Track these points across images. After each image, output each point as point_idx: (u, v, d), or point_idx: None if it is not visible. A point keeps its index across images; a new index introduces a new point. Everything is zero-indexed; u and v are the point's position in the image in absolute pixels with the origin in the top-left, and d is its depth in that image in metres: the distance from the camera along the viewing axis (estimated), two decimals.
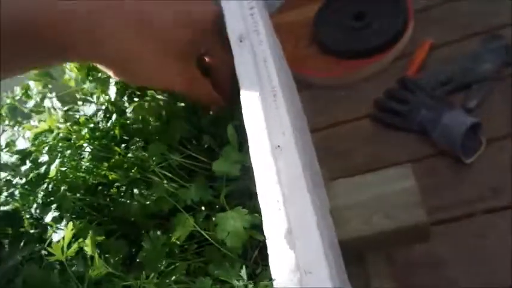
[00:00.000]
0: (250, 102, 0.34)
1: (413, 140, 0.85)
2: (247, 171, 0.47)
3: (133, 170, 0.39)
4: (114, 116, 0.41)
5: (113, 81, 0.42)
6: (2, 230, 0.41)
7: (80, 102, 0.40)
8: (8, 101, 0.47)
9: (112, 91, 0.41)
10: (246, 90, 0.35)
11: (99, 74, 0.44)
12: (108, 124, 0.40)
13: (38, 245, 0.37)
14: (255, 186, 0.46)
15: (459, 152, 0.78)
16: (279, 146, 0.32)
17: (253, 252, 0.41)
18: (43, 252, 0.36)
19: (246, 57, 0.36)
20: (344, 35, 0.99)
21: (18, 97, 0.47)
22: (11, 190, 0.39)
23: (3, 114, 0.47)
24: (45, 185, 0.37)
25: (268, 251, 0.28)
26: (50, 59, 0.38)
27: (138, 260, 0.40)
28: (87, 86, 0.41)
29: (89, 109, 0.40)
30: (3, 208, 0.40)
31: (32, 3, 0.36)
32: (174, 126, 0.42)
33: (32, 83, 0.46)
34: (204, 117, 0.44)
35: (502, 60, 0.86)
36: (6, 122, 0.47)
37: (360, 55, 0.95)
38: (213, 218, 0.42)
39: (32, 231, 0.39)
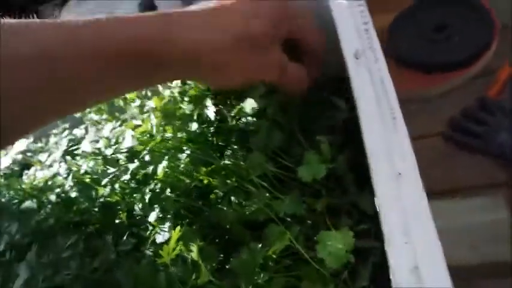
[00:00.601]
0: (369, 124, 0.33)
1: (490, 164, 0.80)
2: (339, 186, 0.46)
3: (232, 179, 0.39)
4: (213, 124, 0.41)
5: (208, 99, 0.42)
6: (99, 220, 0.43)
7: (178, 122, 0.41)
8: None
9: (210, 111, 0.41)
10: (365, 111, 0.33)
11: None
12: (206, 130, 0.40)
13: (135, 240, 0.38)
14: (347, 203, 0.46)
15: None
16: (400, 173, 0.30)
17: (344, 272, 0.40)
18: (147, 252, 0.37)
19: (363, 76, 0.35)
20: (421, 47, 0.95)
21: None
22: (114, 184, 0.40)
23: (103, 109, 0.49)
24: (152, 185, 0.38)
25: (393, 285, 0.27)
26: (147, 80, 0.39)
27: (227, 267, 0.40)
28: (185, 106, 0.41)
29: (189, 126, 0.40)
30: (104, 200, 0.42)
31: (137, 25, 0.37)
32: (272, 136, 0.41)
33: None
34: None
35: None
36: (104, 116, 0.49)
37: (437, 69, 0.91)
38: (302, 234, 0.42)
39: (129, 226, 0.41)
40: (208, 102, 0.41)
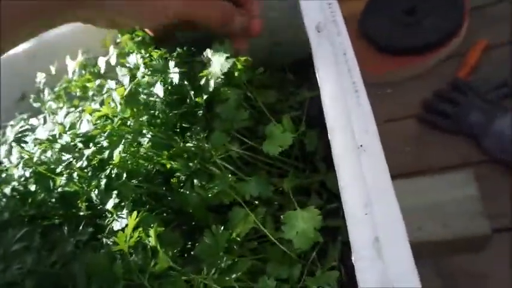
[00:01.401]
0: (331, 98, 0.31)
1: (461, 144, 0.80)
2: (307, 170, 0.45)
3: (194, 161, 0.37)
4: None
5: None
6: (58, 212, 0.41)
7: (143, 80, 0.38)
8: (64, 85, 0.46)
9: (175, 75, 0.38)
10: (326, 84, 0.32)
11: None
12: (168, 111, 0.38)
13: (92, 229, 0.36)
14: (315, 183, 0.44)
15: (511, 160, 0.73)
16: (361, 145, 0.29)
17: (312, 253, 0.39)
18: (104, 240, 0.35)
19: (324, 48, 0.33)
20: (393, 30, 0.94)
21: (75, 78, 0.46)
22: (72, 173, 0.37)
23: (62, 96, 0.46)
24: (108, 171, 0.35)
25: (354, 259, 0.25)
26: (54, 18, 0.35)
27: (192, 253, 0.38)
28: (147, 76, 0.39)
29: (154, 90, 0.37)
30: (61, 190, 0.39)
31: None
32: (236, 114, 0.39)
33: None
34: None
35: None
36: (62, 105, 0.46)
37: (409, 52, 0.91)
38: (270, 215, 0.40)
39: (88, 215, 0.38)
40: (171, 65, 0.38)
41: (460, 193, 0.50)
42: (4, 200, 0.41)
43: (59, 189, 0.39)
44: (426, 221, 0.49)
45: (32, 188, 0.43)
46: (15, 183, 0.42)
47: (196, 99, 0.38)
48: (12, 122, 0.50)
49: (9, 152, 0.42)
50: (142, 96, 0.38)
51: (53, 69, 0.48)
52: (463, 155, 0.78)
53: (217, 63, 0.38)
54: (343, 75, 0.32)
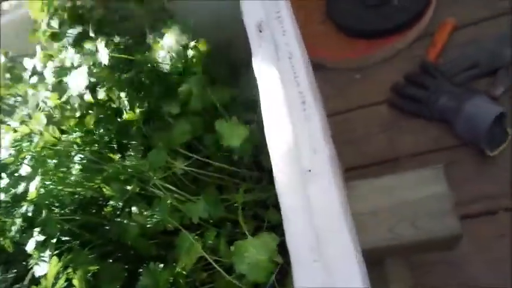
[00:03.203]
0: (274, 112, 0.26)
1: (433, 128, 0.77)
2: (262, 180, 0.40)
3: (131, 184, 0.31)
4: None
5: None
6: None
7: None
8: None
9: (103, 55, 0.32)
10: (268, 94, 0.27)
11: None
12: (101, 130, 0.32)
13: (15, 275, 0.31)
14: (273, 195, 0.40)
15: (483, 143, 0.70)
16: (310, 170, 0.24)
17: (271, 278, 0.35)
18: None
19: (267, 53, 0.28)
20: (360, 12, 0.88)
21: None
22: None
23: None
24: (24, 208, 0.30)
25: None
26: None
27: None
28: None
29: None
30: None
31: None
32: (179, 128, 0.34)
33: None
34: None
35: None
36: None
37: (377, 35, 0.86)
38: (223, 237, 0.35)
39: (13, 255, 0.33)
40: (100, 46, 0.32)
41: (429, 191, 0.47)
42: None
43: None
44: (396, 222, 0.46)
45: None
46: None
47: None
48: None
49: None
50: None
51: None
52: (433, 141, 0.75)
53: (171, 38, 0.32)
54: (287, 84, 0.27)
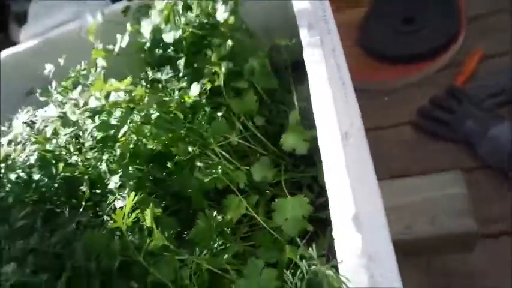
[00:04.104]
0: (320, 91, 0.34)
1: (456, 150, 0.82)
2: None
3: (195, 146, 0.39)
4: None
5: None
6: (60, 197, 0.43)
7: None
8: (73, 74, 0.49)
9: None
10: (314, 77, 0.35)
11: None
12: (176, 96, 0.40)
13: (97, 210, 0.39)
14: (308, 177, 0.47)
15: (506, 165, 0.75)
16: (346, 133, 0.32)
17: (302, 241, 0.41)
18: (105, 217, 0.37)
19: (314, 45, 0.37)
20: (391, 39, 0.97)
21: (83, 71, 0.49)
22: (79, 158, 0.40)
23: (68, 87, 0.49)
24: (111, 151, 0.38)
25: (334, 235, 0.28)
26: None
27: (186, 238, 0.40)
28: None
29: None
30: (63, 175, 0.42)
31: None
32: (248, 99, 0.42)
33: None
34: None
35: None
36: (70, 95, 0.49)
37: (406, 61, 0.94)
38: (262, 204, 0.43)
39: (89, 199, 0.41)
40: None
41: (448, 192, 0.53)
42: (9, 185, 0.44)
43: (62, 175, 0.42)
44: (415, 219, 0.52)
45: (36, 176, 0.46)
46: (19, 171, 0.45)
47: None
48: (18, 115, 0.53)
49: (15, 139, 0.45)
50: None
51: (61, 61, 0.51)
52: (456, 162, 0.81)
53: None
54: (331, 69, 0.35)
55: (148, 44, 0.42)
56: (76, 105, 0.42)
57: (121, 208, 0.35)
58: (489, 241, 0.72)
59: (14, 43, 0.73)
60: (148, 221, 0.34)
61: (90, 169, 0.40)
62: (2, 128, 0.51)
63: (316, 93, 0.34)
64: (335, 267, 0.28)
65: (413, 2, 1.00)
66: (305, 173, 0.47)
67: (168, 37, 0.39)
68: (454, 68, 0.92)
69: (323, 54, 0.36)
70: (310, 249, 0.30)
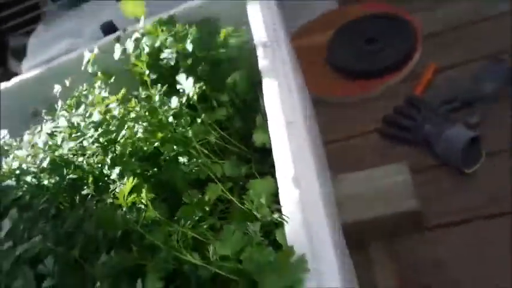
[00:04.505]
0: (271, 90, 0.47)
1: (418, 152, 0.96)
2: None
3: (178, 145, 0.51)
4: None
5: None
6: (68, 195, 0.54)
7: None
8: (77, 94, 0.61)
9: None
10: (268, 83, 0.48)
11: None
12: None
13: (102, 197, 0.50)
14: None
15: (459, 162, 0.88)
16: (291, 122, 0.44)
17: (272, 217, 0.53)
18: (109, 200, 0.48)
19: (268, 59, 0.50)
20: (357, 57, 1.13)
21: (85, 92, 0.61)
22: (84, 160, 0.51)
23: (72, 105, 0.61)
24: (114, 149, 0.50)
25: (279, 192, 0.39)
26: None
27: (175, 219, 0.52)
28: None
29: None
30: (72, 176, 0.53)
31: None
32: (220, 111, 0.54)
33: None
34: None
35: (503, 82, 0.98)
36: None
37: (371, 75, 1.09)
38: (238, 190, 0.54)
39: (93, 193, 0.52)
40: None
41: (396, 179, 0.65)
42: (25, 186, 0.55)
43: (71, 176, 0.53)
44: (371, 203, 0.64)
45: (46, 180, 0.57)
46: (35, 171, 0.56)
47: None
48: (28, 131, 0.65)
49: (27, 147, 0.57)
50: None
51: (67, 82, 0.63)
52: (418, 162, 0.93)
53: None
54: (279, 77, 0.48)
55: (144, 64, 0.55)
56: (82, 119, 0.54)
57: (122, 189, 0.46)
58: (447, 231, 0.84)
59: (14, 76, 0.86)
60: (143, 199, 0.45)
61: (94, 169, 0.52)
62: (14, 143, 0.63)
63: (267, 93, 0.46)
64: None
65: (374, 24, 1.16)
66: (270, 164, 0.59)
67: (166, 55, 0.53)
68: (413, 80, 1.07)
69: (274, 65, 0.48)
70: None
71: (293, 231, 0.37)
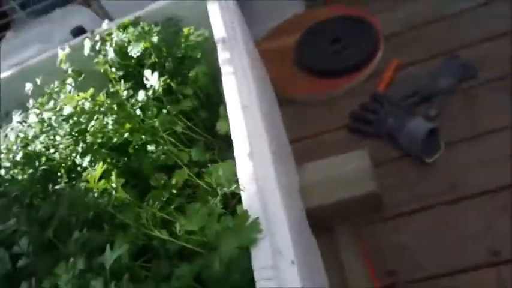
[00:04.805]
0: (228, 78, 0.53)
1: (382, 145, 1.03)
2: None
3: (146, 134, 0.56)
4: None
5: None
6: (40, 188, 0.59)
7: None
8: (48, 91, 0.66)
9: None
10: (226, 74, 0.54)
11: None
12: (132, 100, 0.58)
13: (73, 183, 0.54)
14: None
15: (420, 152, 0.96)
16: (246, 106, 0.50)
17: (234, 201, 0.58)
18: (81, 184, 0.53)
19: (227, 52, 0.56)
20: (323, 57, 1.20)
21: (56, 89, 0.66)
22: (53, 151, 0.56)
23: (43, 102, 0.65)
24: (85, 138, 0.54)
25: (237, 166, 0.45)
26: None
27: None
28: None
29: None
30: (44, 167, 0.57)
31: None
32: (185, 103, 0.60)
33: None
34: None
35: (458, 76, 1.07)
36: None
37: (337, 74, 1.16)
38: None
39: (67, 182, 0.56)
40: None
41: (357, 165, 0.71)
42: None
43: (44, 167, 0.58)
44: (334, 188, 0.70)
45: (19, 173, 0.61)
46: (8, 165, 0.60)
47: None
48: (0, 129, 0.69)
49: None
50: None
51: (38, 81, 0.68)
52: (383, 154, 1.01)
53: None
54: (236, 67, 0.54)
55: (111, 62, 0.60)
56: (53, 113, 0.59)
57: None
58: (410, 218, 0.91)
59: None
60: (114, 183, 0.50)
61: (66, 160, 0.56)
62: None
63: (226, 82, 0.52)
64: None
65: (339, 25, 1.25)
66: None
67: (134, 51, 0.58)
68: (377, 77, 1.15)
69: (232, 58, 0.55)
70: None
71: (248, 198, 0.42)
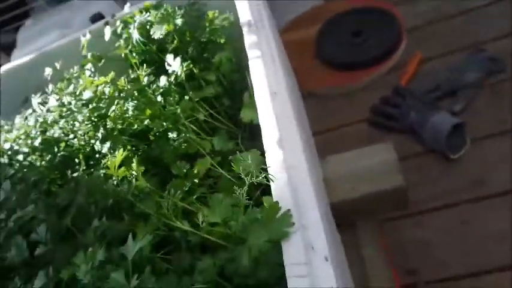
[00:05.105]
0: (256, 64, 0.49)
1: (404, 139, 0.99)
2: None
3: (167, 121, 0.53)
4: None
5: None
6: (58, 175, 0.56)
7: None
8: (68, 76, 0.63)
9: None
10: (253, 59, 0.50)
11: None
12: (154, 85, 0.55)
13: (92, 171, 0.52)
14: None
15: (444, 148, 0.91)
16: (275, 93, 0.47)
17: (257, 192, 0.55)
18: (100, 172, 0.50)
19: (253, 36, 0.52)
20: (344, 50, 1.16)
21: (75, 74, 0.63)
22: (75, 138, 0.53)
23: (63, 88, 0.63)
24: (105, 124, 0.52)
25: (266, 155, 0.42)
26: None
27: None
28: None
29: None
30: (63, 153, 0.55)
31: None
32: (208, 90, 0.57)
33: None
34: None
35: (485, 70, 1.02)
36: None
37: (358, 67, 1.12)
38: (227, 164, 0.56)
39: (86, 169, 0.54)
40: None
41: (382, 158, 0.68)
42: (17, 165, 0.56)
43: (62, 153, 0.55)
44: (358, 182, 0.66)
45: (38, 159, 0.59)
46: (27, 150, 0.57)
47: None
48: (18, 116, 0.66)
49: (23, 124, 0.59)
50: None
51: (58, 66, 0.65)
52: (405, 149, 0.97)
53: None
54: (264, 51, 0.50)
55: (131, 47, 0.57)
56: (73, 98, 0.56)
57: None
58: (433, 215, 0.87)
59: None
60: (134, 170, 0.47)
61: (85, 146, 0.54)
62: (6, 127, 0.64)
63: (253, 68, 0.49)
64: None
65: (360, 17, 1.20)
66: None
67: (157, 33, 0.55)
68: (398, 70, 1.10)
69: (259, 42, 0.51)
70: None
71: (278, 189, 0.39)
